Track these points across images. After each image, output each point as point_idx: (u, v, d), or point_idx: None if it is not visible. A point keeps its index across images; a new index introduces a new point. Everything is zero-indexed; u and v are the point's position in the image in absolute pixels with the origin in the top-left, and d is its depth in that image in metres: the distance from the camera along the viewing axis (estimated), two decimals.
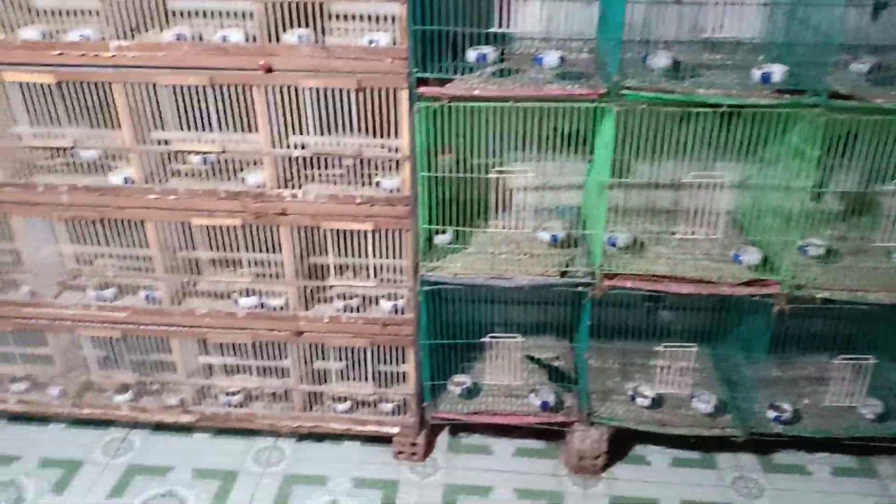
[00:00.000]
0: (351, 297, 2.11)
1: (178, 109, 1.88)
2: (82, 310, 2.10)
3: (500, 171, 1.93)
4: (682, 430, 2.17)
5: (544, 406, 2.18)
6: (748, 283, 1.95)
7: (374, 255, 2.03)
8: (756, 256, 1.98)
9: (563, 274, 1.98)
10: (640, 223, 2.18)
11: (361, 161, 1.98)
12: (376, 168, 1.99)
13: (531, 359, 2.41)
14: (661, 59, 1.81)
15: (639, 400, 2.21)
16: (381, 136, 1.87)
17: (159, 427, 2.39)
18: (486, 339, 2.15)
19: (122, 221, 2.00)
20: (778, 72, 1.74)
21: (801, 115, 1.79)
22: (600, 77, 1.84)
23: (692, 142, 1.94)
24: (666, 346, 2.08)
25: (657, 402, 2.22)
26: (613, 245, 2.05)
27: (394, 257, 2.04)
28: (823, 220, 2.17)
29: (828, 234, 2.15)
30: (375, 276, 2.06)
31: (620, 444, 2.28)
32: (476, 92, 1.75)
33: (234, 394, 2.27)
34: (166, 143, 1.90)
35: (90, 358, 2.27)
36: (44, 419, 2.42)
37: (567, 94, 1.74)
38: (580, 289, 1.98)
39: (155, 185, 1.92)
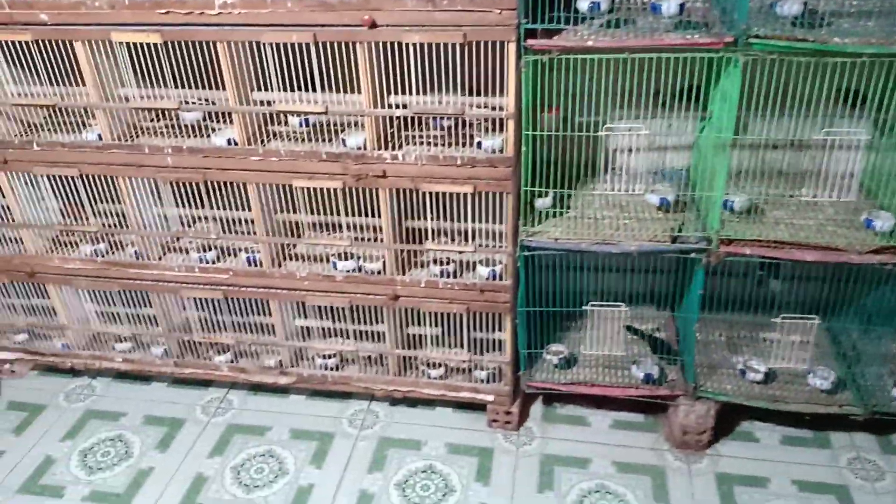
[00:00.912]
0: (447, 263, 2.07)
1: (282, 69, 1.85)
2: (185, 271, 2.14)
3: (611, 130, 1.83)
4: (797, 407, 2.04)
5: (647, 378, 2.09)
6: (879, 251, 1.80)
7: (473, 220, 1.98)
8: (890, 222, 1.81)
9: (673, 240, 1.88)
10: (757, 185, 2.03)
11: (461, 121, 1.92)
12: (474, 128, 1.92)
13: (631, 329, 2.32)
14: (792, 6, 1.66)
15: (750, 374, 2.09)
16: (485, 94, 1.80)
17: (256, 388, 2.43)
18: (588, 308, 2.07)
19: (224, 184, 2.01)
20: None
21: None
22: (723, 25, 1.70)
23: (822, 96, 1.78)
24: (784, 318, 1.95)
25: (769, 376, 2.10)
26: (729, 209, 1.93)
27: (492, 221, 1.97)
28: None
29: None
30: (473, 240, 2.00)
31: (725, 420, 2.17)
32: (589, 43, 1.65)
33: (329, 357, 2.28)
34: (269, 103, 1.89)
35: (192, 319, 2.31)
36: (146, 378, 2.50)
37: (690, 44, 1.62)
38: (693, 255, 1.88)
39: (258, 147, 1.91)
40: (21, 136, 2.04)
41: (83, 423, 2.32)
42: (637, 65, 1.80)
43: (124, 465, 2.16)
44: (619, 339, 2.15)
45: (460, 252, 2.06)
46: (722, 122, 1.74)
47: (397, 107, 1.83)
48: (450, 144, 1.91)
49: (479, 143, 1.84)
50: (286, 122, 2.05)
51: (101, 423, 2.32)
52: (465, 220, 2.01)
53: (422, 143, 1.93)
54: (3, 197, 2.14)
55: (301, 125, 1.99)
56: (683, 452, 2.14)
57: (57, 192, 2.15)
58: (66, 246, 2.26)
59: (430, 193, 1.92)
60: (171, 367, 2.36)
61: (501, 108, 1.78)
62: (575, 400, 2.32)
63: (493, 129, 1.88)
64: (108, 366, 2.41)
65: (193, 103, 1.92)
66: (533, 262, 1.98)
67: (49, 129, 2.06)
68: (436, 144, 1.91)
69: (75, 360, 2.42)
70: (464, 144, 1.90)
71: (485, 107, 1.82)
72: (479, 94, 1.83)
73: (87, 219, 2.18)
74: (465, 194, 1.92)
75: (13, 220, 2.17)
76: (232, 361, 2.33)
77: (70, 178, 2.08)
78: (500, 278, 2.01)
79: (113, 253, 2.21)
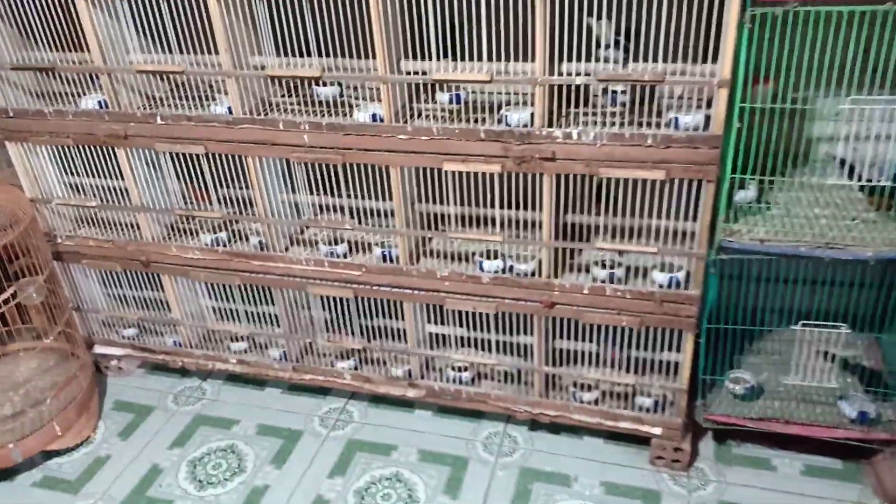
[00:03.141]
0: (614, 266, 1.74)
1: (443, 31, 1.59)
2: (314, 265, 1.90)
3: (857, 104, 1.46)
4: None
5: (862, 418, 1.70)
6: None
7: (654, 214, 1.65)
8: None
9: None
10: None
11: (641, 96, 1.60)
12: (655, 104, 1.60)
13: (828, 355, 1.92)
14: None
15: None
16: (690, 60, 1.47)
17: (377, 399, 2.17)
18: (796, 328, 1.70)
19: (363, 167, 1.76)
20: None
21: None
22: None
23: None
24: None
25: None
26: None
27: (679, 217, 1.64)
28: None
29: None
30: (654, 239, 1.67)
31: None
32: None
33: (464, 369, 1.99)
34: (423, 73, 1.62)
35: (316, 319, 2.08)
36: (260, 382, 2.29)
37: None
38: None
39: (406, 125, 1.65)
40: (144, 108, 1.86)
41: (193, 430, 2.12)
42: (873, 29, 1.43)
43: (237, 480, 1.93)
44: (824, 367, 1.77)
45: (641, 252, 1.73)
46: None
47: (577, 74, 1.52)
48: (629, 123, 1.59)
49: (675, 120, 1.51)
50: (433, 99, 1.78)
51: (212, 431, 2.11)
52: (644, 215, 1.68)
53: (593, 124, 1.61)
54: (122, 178, 1.97)
55: (451, 101, 1.72)
56: None
57: (179, 172, 1.96)
58: (184, 233, 2.07)
59: (608, 181, 1.61)
60: (290, 373, 2.12)
61: (713, 75, 1.45)
62: (753, 438, 1.94)
63: (696, 102, 1.55)
64: (221, 367, 2.21)
65: (333, 73, 1.68)
66: (720, 268, 1.64)
67: (173, 104, 1.88)
68: (613, 123, 1.60)
69: (186, 360, 2.23)
70: (648, 124, 1.58)
71: (690, 74, 1.49)
72: (685, 58, 1.49)
73: (210, 203, 1.98)
74: (648, 182, 1.60)
75: (131, 203, 2.00)
76: (355, 369, 2.08)
77: (194, 157, 1.89)
78: (683, 286, 1.67)
79: (235, 243, 2.00)
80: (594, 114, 1.64)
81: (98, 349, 2.31)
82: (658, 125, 1.56)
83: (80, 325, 2.28)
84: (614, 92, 1.56)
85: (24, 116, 1.93)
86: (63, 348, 2.21)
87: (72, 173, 2.10)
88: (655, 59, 1.49)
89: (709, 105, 1.56)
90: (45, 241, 2.07)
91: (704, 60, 1.47)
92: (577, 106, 1.69)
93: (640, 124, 1.56)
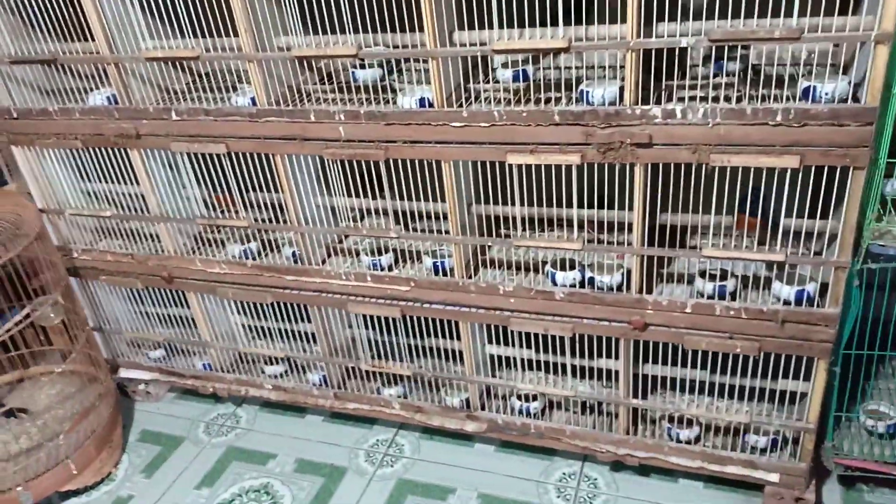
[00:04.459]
0: (725, 276, 1.41)
1: None
2: (354, 280, 1.62)
3: None
4: None
5: None
6: None
7: (778, 212, 1.31)
8: None
9: None
10: None
11: (775, 57, 1.26)
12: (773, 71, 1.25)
13: None
14: None
15: None
16: (829, 12, 1.13)
17: (429, 430, 1.89)
18: None
19: (410, 162, 1.47)
20: None
21: None
22: None
23: None
24: None
25: None
26: None
27: (814, 215, 1.29)
28: None
29: None
30: (783, 243, 1.33)
31: None
32: None
33: (532, 398, 1.69)
34: (482, 44, 1.32)
35: (359, 340, 1.80)
36: (299, 408, 2.03)
37: None
38: None
39: (461, 109, 1.35)
40: (158, 103, 1.61)
41: (224, 465, 1.87)
42: None
43: None
44: None
45: (762, 259, 1.38)
46: None
47: (682, 36, 1.19)
48: (749, 97, 1.25)
49: (812, 90, 1.17)
50: (493, 77, 1.48)
51: (245, 468, 1.85)
52: (770, 213, 1.34)
53: (701, 99, 1.28)
54: (138, 183, 1.73)
55: (515, 79, 1.41)
56: None
57: (200, 176, 1.71)
58: (210, 245, 1.82)
59: (721, 169, 1.27)
60: (331, 400, 1.85)
61: (867, 29, 1.10)
62: (890, 482, 1.57)
63: (839, 66, 1.21)
64: (255, 393, 1.96)
65: (374, 49, 1.39)
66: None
67: (192, 98, 1.62)
68: (727, 98, 1.26)
69: (218, 385, 1.99)
70: (776, 98, 1.24)
71: (831, 31, 1.15)
72: (820, 10, 1.15)
73: (236, 211, 1.72)
74: (776, 171, 1.26)
75: (149, 213, 1.76)
76: (405, 396, 1.79)
77: (216, 158, 1.63)
78: (815, 303, 1.32)
79: (266, 255, 1.74)
80: (703, 86, 1.30)
81: (123, 373, 2.10)
82: (786, 98, 1.22)
83: (103, 346, 2.06)
84: (732, 59, 1.22)
85: (29, 116, 1.71)
86: (86, 372, 2.00)
87: (87, 179, 1.87)
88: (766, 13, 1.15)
89: (844, 71, 1.21)
90: (59, 256, 1.85)
91: (854, 12, 1.12)
92: (672, 78, 1.36)
93: (764, 98, 1.22)
